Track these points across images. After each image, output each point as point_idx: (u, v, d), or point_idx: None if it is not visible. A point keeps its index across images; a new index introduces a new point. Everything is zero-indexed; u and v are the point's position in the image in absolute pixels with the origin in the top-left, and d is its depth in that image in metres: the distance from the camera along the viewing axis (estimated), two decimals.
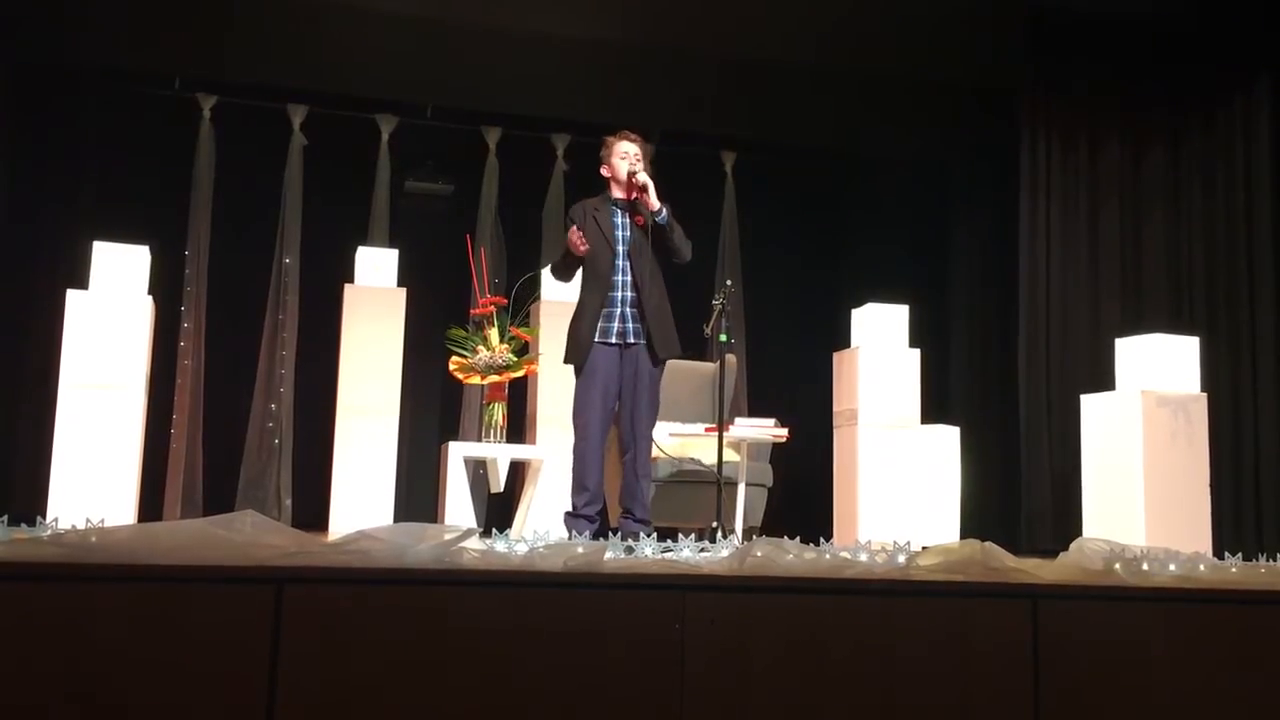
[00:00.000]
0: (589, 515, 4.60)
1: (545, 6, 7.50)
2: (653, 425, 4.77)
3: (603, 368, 4.66)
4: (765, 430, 5.63)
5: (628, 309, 4.69)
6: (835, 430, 6.83)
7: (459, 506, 5.72)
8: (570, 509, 4.67)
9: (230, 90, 8.14)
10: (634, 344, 4.67)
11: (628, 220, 4.77)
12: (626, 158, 4.77)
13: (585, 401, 4.66)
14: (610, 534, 3.38)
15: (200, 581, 2.13)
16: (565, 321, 4.90)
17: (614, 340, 4.67)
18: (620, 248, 4.72)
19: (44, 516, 2.78)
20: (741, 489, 5.68)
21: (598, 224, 4.77)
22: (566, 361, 4.80)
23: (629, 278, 4.70)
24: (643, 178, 4.67)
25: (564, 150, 8.72)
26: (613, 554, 2.61)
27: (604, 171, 4.88)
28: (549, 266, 4.85)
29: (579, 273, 4.90)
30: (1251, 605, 2.75)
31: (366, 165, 8.42)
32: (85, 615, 2.05)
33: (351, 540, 2.33)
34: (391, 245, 7.91)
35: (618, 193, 4.81)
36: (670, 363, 4.86)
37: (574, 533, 4.33)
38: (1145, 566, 2.87)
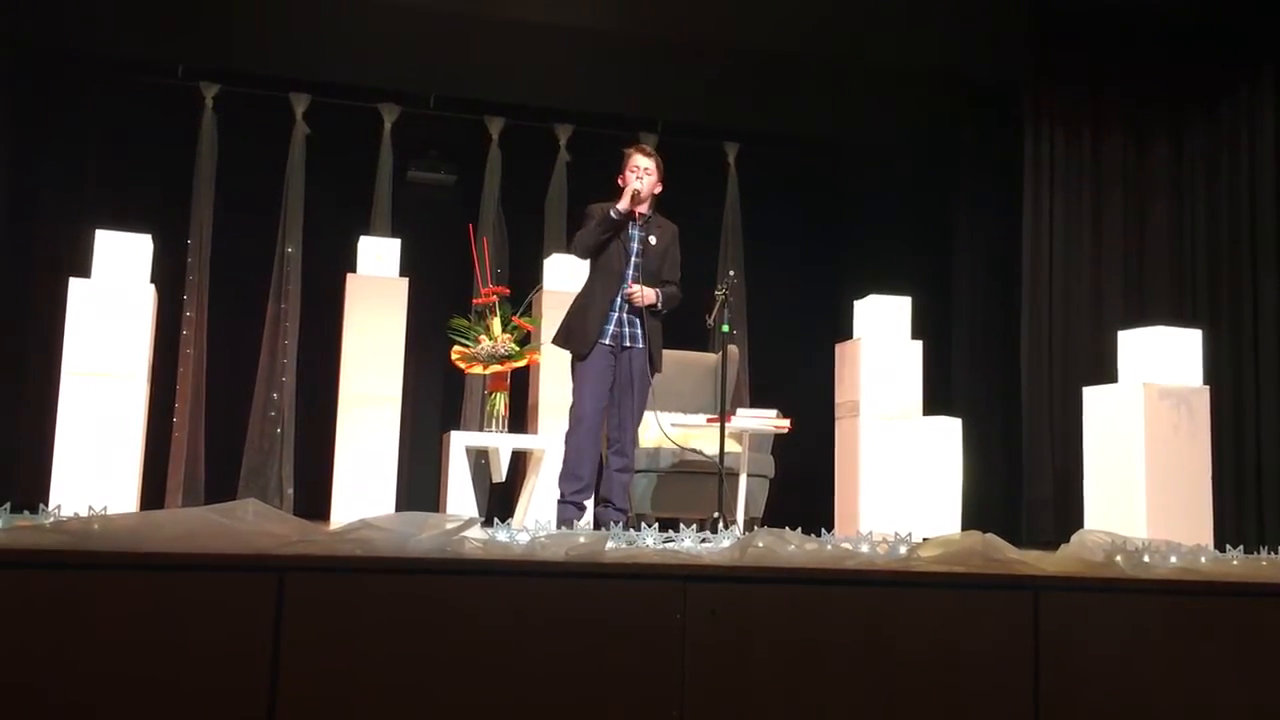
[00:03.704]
0: (577, 503, 4.74)
1: None
2: (638, 424, 4.94)
3: (603, 365, 4.79)
4: (767, 421, 5.63)
5: (625, 314, 4.81)
6: (837, 422, 6.83)
7: (461, 496, 5.74)
8: (560, 495, 4.78)
9: (233, 79, 8.13)
10: (630, 348, 4.82)
11: (638, 233, 4.88)
12: (635, 171, 4.87)
13: (583, 394, 4.78)
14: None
15: (202, 570, 2.13)
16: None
17: (609, 342, 4.80)
18: (634, 259, 4.85)
19: (46, 504, 2.77)
20: (743, 480, 5.68)
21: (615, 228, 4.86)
22: (560, 344, 4.90)
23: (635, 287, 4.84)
24: (635, 187, 4.79)
25: (567, 140, 8.71)
26: (614, 544, 2.61)
27: (620, 181, 4.96)
28: (578, 237, 4.87)
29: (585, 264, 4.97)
30: (1253, 598, 2.74)
31: (369, 154, 8.42)
32: (87, 603, 2.05)
33: (353, 529, 2.33)
34: (394, 235, 7.92)
35: (636, 208, 4.85)
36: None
37: (564, 519, 4.42)
38: (1146, 559, 2.86)
